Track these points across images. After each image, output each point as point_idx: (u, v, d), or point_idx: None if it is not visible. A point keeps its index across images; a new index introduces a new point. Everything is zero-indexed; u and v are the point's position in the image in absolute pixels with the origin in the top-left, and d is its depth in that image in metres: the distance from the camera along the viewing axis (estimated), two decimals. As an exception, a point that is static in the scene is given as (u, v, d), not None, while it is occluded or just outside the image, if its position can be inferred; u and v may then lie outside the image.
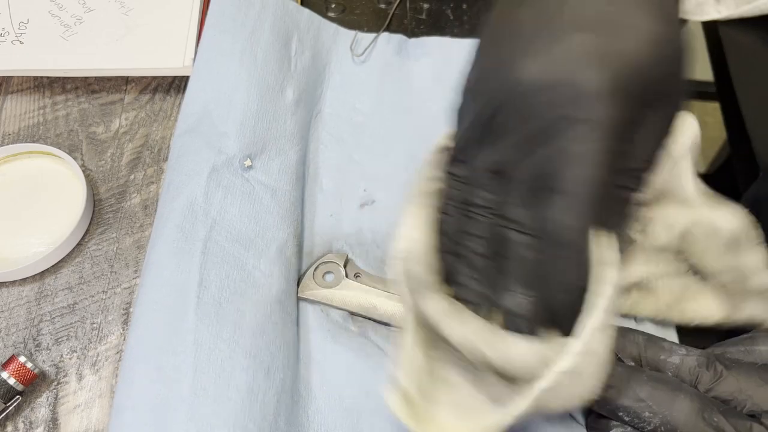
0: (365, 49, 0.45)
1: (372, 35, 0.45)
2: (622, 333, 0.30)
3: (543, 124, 0.24)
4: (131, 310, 0.35)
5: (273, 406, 0.29)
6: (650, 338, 0.30)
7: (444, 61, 0.44)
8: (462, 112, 0.28)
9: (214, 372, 0.29)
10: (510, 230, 0.26)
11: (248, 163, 0.35)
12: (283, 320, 0.32)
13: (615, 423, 0.29)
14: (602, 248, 0.25)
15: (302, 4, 0.47)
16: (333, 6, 0.48)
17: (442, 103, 0.39)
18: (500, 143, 0.26)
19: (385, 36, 0.45)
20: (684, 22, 0.27)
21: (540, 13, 0.25)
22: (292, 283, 0.34)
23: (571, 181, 0.24)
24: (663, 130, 0.26)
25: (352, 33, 0.45)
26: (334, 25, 0.45)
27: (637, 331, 0.30)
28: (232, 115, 0.36)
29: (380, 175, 0.40)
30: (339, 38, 0.45)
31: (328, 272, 0.35)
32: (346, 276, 0.35)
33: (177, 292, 0.31)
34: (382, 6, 0.48)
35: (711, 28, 0.48)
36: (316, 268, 0.36)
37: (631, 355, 0.30)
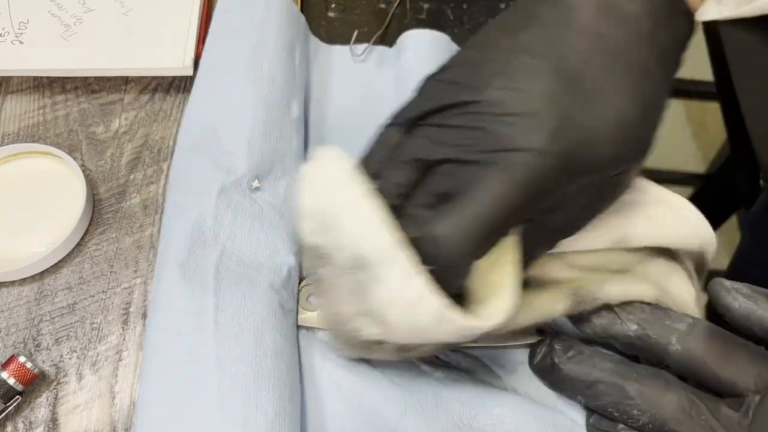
0: (364, 50, 0.45)
1: (362, 45, 0.45)
2: (623, 306, 0.30)
3: (477, 139, 0.25)
4: (131, 310, 0.35)
5: (298, 427, 0.29)
6: (654, 308, 0.30)
7: (419, 64, 0.42)
8: (424, 89, 0.28)
9: (240, 396, 0.28)
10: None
11: (256, 184, 0.34)
12: (296, 341, 0.32)
13: (620, 426, 0.29)
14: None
15: (302, 4, 0.47)
16: (333, 6, 0.48)
17: None
18: (434, 137, 0.26)
19: (368, 48, 0.45)
20: (662, 107, 0.27)
21: (533, 39, 0.26)
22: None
23: (471, 200, 0.24)
24: (589, 206, 0.28)
25: (330, 47, 0.45)
26: (315, 38, 0.45)
27: (642, 302, 0.30)
28: (239, 133, 0.35)
29: None
30: (319, 52, 0.45)
31: (311, 295, 0.34)
32: None
33: (194, 318, 0.29)
34: (382, 6, 0.48)
35: (711, 28, 0.48)
36: (299, 292, 0.34)
37: (632, 320, 0.30)
